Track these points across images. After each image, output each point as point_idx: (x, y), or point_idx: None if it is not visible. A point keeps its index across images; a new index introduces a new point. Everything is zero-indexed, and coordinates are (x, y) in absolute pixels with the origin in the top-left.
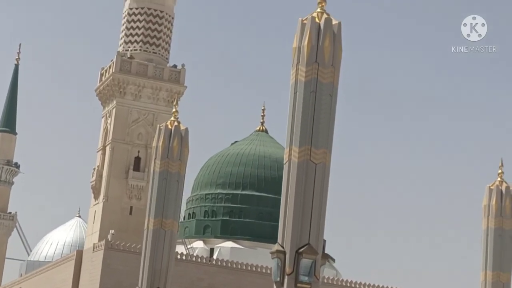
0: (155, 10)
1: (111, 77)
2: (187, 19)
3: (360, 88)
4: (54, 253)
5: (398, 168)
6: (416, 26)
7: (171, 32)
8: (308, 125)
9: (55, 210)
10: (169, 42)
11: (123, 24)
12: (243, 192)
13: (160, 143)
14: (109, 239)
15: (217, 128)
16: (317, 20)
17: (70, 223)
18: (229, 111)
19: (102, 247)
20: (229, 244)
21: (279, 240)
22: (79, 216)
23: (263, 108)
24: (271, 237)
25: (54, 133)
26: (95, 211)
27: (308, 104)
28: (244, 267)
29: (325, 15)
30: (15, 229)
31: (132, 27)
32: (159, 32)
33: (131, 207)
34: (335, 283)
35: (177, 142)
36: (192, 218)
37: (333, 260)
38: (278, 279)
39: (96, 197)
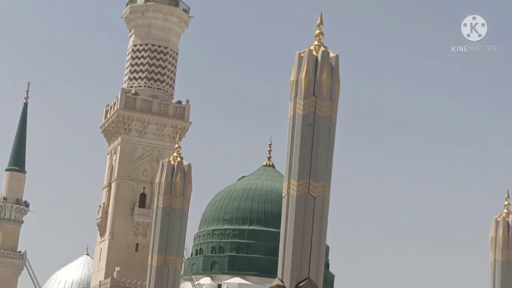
0: (159, 47)
1: (115, 114)
2: (191, 55)
3: (358, 115)
4: None
5: (403, 197)
6: (416, 26)
7: (175, 68)
8: (307, 159)
9: (64, 248)
10: (174, 78)
11: (127, 61)
12: (250, 227)
13: (163, 179)
14: (115, 277)
15: (224, 163)
16: (314, 53)
17: (78, 261)
18: (236, 146)
19: (108, 284)
20: (236, 280)
21: (279, 274)
22: (87, 254)
23: (269, 143)
24: None
25: (62, 171)
26: (101, 248)
27: (306, 137)
28: None
29: (322, 48)
30: (25, 267)
31: (136, 63)
32: (163, 68)
33: (137, 244)
34: None
35: (180, 178)
36: (200, 254)
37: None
38: None
39: (102, 234)
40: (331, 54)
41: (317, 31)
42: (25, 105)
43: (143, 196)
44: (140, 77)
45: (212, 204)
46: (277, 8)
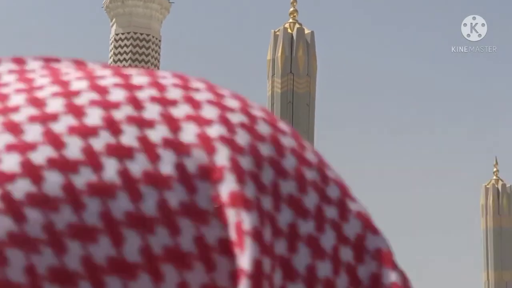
0: (141, 34)
1: None
2: (174, 40)
3: (355, 86)
4: None
5: (389, 168)
6: (416, 26)
7: (159, 55)
8: None
9: None
10: (158, 65)
11: (110, 51)
12: None
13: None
14: None
15: None
16: (289, 30)
17: None
18: None
19: None
20: None
21: None
22: None
23: None
24: None
25: None
26: None
27: (286, 115)
28: None
29: (297, 25)
30: None
31: (119, 52)
32: (147, 55)
33: None
34: None
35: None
36: None
37: None
38: None
39: None
40: (306, 31)
41: (291, 9)
42: None
43: None
44: (124, 66)
45: None
46: None
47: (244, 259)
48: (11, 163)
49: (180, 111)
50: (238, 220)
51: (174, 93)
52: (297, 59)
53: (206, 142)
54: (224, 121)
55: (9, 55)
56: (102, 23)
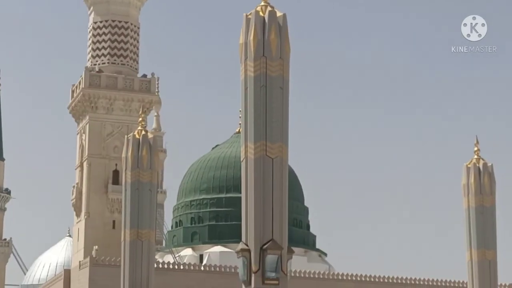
0: (120, 22)
1: (81, 93)
2: (152, 27)
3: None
4: (47, 275)
5: (372, 151)
6: (416, 26)
7: (138, 42)
8: (261, 120)
9: (47, 231)
10: (137, 52)
11: (89, 39)
12: (228, 195)
13: (129, 154)
14: (94, 256)
15: (197, 133)
16: (261, 13)
17: (60, 243)
18: (207, 115)
19: (87, 264)
20: (217, 248)
21: (243, 238)
22: (69, 235)
23: (240, 109)
24: None
25: (38, 155)
26: (78, 228)
27: (259, 99)
28: (233, 270)
29: (269, 8)
30: (11, 254)
31: (98, 40)
32: (125, 43)
33: (114, 221)
34: (326, 277)
35: (146, 151)
36: (179, 226)
37: (325, 254)
38: (245, 278)
39: (78, 214)
40: (278, 14)
41: None
42: None
43: (116, 172)
44: (103, 54)
45: (188, 175)
46: None
47: None
48: None
49: None
50: None
51: None
52: (269, 42)
53: None
54: None
55: None
56: (81, 12)
